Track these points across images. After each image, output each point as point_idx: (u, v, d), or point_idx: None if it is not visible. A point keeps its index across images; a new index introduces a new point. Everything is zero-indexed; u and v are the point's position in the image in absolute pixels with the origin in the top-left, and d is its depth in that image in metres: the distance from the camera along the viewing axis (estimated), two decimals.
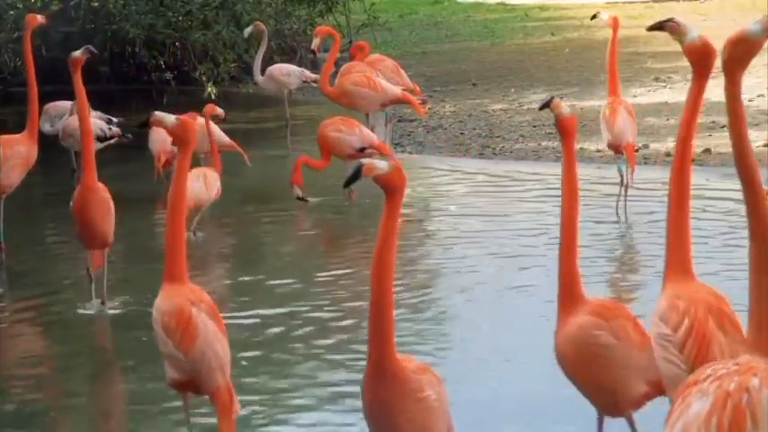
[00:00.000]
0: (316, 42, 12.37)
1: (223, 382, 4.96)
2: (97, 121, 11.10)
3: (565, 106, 4.79)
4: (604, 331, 4.50)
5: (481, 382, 6.14)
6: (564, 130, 4.80)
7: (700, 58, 4.44)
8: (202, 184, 9.19)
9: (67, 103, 11.65)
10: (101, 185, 7.44)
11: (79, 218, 7.39)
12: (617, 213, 9.40)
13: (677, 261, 4.35)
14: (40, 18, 9.30)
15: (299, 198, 9.99)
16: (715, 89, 14.38)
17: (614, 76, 9.57)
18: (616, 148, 9.35)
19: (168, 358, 4.95)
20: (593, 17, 10.12)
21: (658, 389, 4.51)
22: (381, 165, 4.12)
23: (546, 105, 4.84)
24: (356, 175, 4.07)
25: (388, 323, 4.11)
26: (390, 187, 4.09)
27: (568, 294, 4.64)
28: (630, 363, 4.49)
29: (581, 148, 11.87)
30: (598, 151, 10.15)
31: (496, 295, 7.67)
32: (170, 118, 5.21)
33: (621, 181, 9.41)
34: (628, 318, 4.59)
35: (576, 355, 4.54)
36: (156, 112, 5.27)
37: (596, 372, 4.51)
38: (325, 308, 7.63)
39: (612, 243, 8.95)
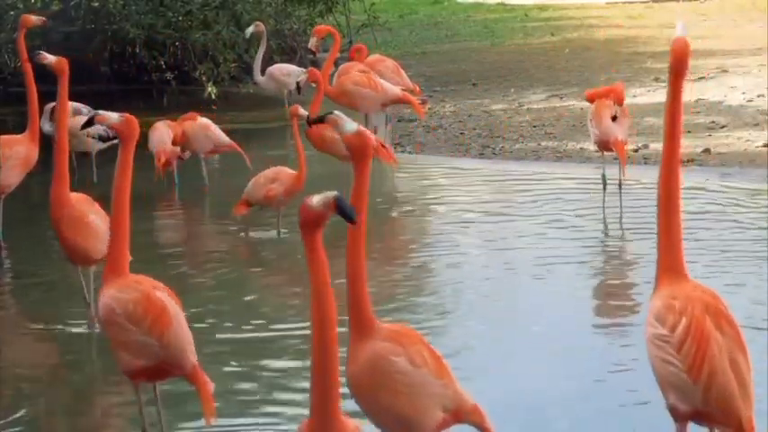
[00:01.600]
0: (312, 41, 12.36)
1: (195, 359, 5.06)
2: None
3: (347, 122, 4.40)
4: (402, 357, 4.28)
5: (479, 378, 6.15)
6: (353, 150, 4.33)
7: (675, 61, 4.42)
8: (253, 182, 9.23)
9: (68, 104, 11.62)
10: (78, 197, 7.16)
11: (56, 234, 7.17)
12: (603, 213, 9.37)
13: (669, 261, 4.34)
14: (34, 19, 9.29)
15: (297, 85, 10.64)
16: (715, 89, 14.42)
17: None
18: (604, 144, 9.18)
19: (130, 347, 5.01)
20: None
21: (455, 416, 4.38)
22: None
23: (320, 120, 4.53)
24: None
25: (334, 378, 3.73)
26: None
27: (359, 321, 4.33)
28: (428, 390, 4.29)
29: (581, 148, 11.86)
30: (597, 151, 10.16)
31: (495, 294, 7.67)
32: (114, 115, 5.46)
33: (604, 185, 9.33)
34: (423, 343, 4.39)
35: (373, 384, 4.28)
36: (100, 111, 5.47)
37: (394, 400, 4.27)
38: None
39: (611, 243, 8.95)
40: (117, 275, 5.17)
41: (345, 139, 4.35)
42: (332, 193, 3.62)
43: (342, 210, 3.62)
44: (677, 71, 4.42)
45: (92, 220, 7.03)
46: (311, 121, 8.44)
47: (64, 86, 7.57)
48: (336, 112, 4.46)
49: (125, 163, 5.39)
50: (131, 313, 5.02)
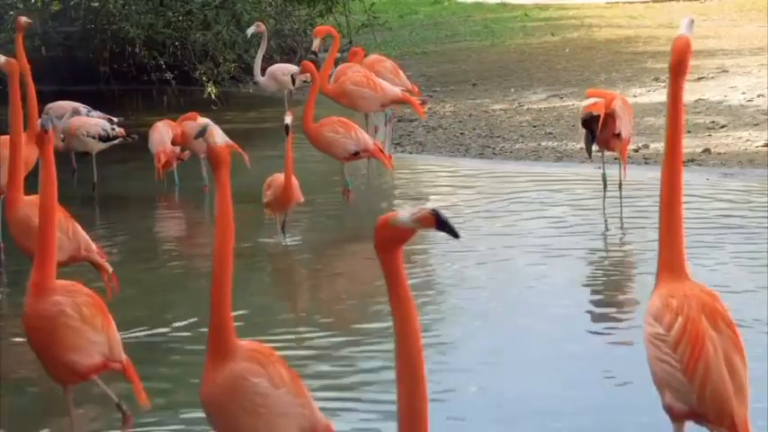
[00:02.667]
0: (316, 43, 12.36)
1: None
2: (100, 121, 11.13)
3: (218, 136, 4.51)
4: (263, 378, 4.26)
5: (476, 376, 6.15)
6: (214, 159, 4.47)
7: (676, 58, 4.41)
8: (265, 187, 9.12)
9: (68, 103, 11.67)
10: (31, 200, 7.05)
11: (10, 234, 7.24)
12: (603, 213, 9.38)
13: (669, 260, 4.34)
14: (23, 21, 9.32)
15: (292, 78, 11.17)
16: (715, 89, 14.39)
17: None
18: (606, 141, 9.15)
19: (83, 348, 5.12)
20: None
21: None
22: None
23: (202, 133, 4.58)
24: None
25: (425, 402, 3.38)
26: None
27: (219, 340, 4.29)
28: (287, 410, 4.29)
29: (581, 148, 11.86)
30: (598, 151, 10.17)
31: (493, 293, 7.67)
32: (55, 122, 5.47)
33: (604, 185, 9.35)
34: (281, 363, 4.37)
35: (232, 405, 4.24)
36: (44, 116, 5.53)
37: (253, 421, 4.25)
38: (317, 312, 7.66)
39: (612, 243, 8.95)
40: (49, 282, 5.18)
41: (209, 148, 4.48)
42: (427, 208, 3.29)
43: (444, 224, 3.28)
44: (677, 70, 4.42)
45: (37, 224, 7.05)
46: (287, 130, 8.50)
47: (15, 88, 7.54)
48: (212, 124, 4.63)
49: (48, 171, 5.43)
50: (86, 315, 5.14)
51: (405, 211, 3.29)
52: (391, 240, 3.29)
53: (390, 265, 3.30)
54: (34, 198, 7.18)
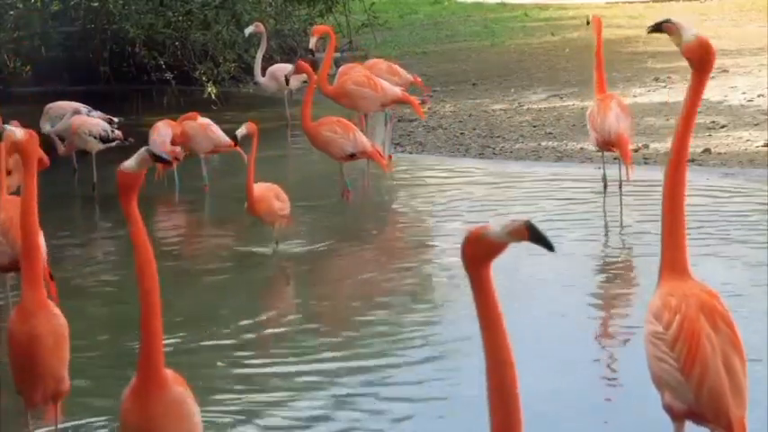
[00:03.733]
0: (312, 41, 12.37)
1: None
2: (101, 122, 11.14)
3: (132, 163, 4.26)
4: (191, 400, 4.39)
5: (474, 377, 6.13)
6: (122, 185, 4.29)
7: (699, 58, 4.38)
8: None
9: (68, 104, 11.67)
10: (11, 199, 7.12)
11: None
12: (604, 213, 9.40)
13: (672, 259, 4.34)
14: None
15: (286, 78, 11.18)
16: (715, 89, 14.39)
17: (601, 76, 9.68)
18: (605, 143, 9.18)
19: (65, 364, 5.15)
20: (588, 23, 10.43)
21: None
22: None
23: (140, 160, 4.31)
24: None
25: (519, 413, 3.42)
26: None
27: (152, 366, 4.32)
28: (200, 428, 4.43)
29: (581, 148, 11.86)
30: (598, 151, 10.18)
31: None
32: (19, 132, 5.29)
33: (605, 186, 9.39)
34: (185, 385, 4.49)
35: (173, 428, 4.34)
36: (7, 127, 5.45)
37: None
38: (316, 312, 7.65)
39: (612, 243, 8.95)
40: (43, 298, 5.14)
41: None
42: (520, 220, 3.13)
43: (538, 236, 3.10)
44: (704, 70, 4.40)
45: None
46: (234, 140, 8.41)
47: None
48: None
49: (30, 183, 5.21)
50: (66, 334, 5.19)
51: (496, 224, 3.15)
52: (483, 255, 3.18)
53: (481, 282, 3.22)
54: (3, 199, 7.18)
